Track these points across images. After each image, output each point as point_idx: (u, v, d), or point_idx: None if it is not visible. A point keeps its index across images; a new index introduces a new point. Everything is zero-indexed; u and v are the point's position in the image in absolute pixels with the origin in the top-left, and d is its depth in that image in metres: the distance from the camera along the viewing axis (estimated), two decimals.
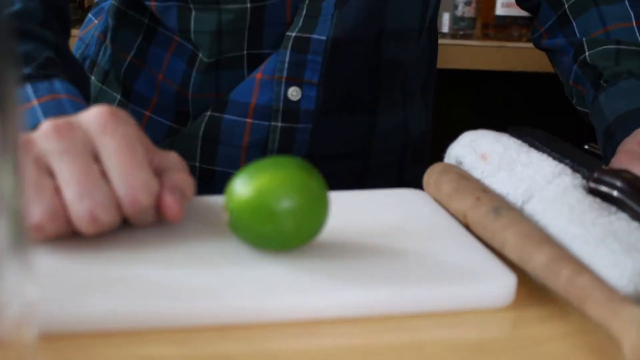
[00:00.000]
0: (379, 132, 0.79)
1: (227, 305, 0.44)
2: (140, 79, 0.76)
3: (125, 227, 0.52)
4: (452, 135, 0.72)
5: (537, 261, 0.48)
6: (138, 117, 0.76)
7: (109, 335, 0.41)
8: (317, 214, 0.49)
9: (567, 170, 0.60)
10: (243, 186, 0.48)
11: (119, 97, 0.78)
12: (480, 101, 2.06)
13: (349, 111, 0.77)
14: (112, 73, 0.78)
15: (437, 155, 0.74)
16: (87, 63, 0.83)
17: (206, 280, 0.46)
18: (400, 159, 0.83)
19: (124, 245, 0.50)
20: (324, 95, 0.74)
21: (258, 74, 0.71)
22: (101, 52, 0.81)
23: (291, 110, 0.72)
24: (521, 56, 1.77)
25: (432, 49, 0.86)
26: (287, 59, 0.70)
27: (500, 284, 0.48)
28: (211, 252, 0.50)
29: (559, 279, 0.47)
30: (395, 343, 0.43)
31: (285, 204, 0.47)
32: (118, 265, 0.47)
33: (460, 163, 0.66)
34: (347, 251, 0.51)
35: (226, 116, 0.72)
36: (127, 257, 0.48)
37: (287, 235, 0.48)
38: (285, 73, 0.71)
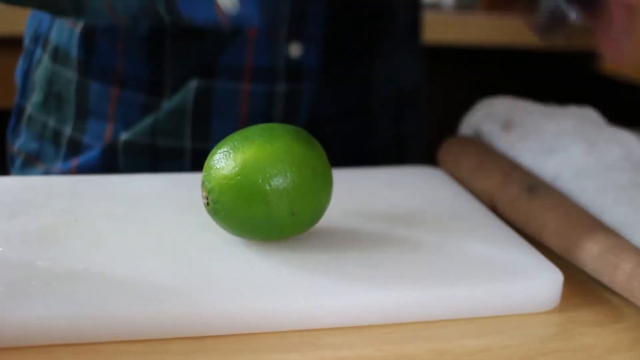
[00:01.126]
0: (376, 84, 0.70)
1: (204, 311, 0.35)
2: (97, 50, 0.65)
3: (77, 209, 0.43)
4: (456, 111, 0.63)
5: (588, 251, 0.39)
6: (104, 98, 0.65)
7: (47, 349, 0.33)
8: (317, 195, 0.39)
9: (610, 141, 0.51)
10: (225, 160, 0.38)
11: (76, 76, 0.67)
12: (477, 78, 1.97)
13: (348, 65, 0.68)
14: (62, 49, 0.67)
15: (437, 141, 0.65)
16: (41, 42, 0.71)
17: (179, 279, 0.36)
18: (398, 112, 0.75)
19: (77, 233, 0.40)
20: (326, 49, 0.64)
21: (251, 31, 0.61)
22: (54, 27, 0.70)
23: (294, 69, 0.63)
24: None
25: None
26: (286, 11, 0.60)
27: (544, 283, 0.39)
28: (185, 244, 0.40)
29: (618, 273, 0.38)
30: (416, 355, 0.34)
31: (277, 182, 0.38)
32: (67, 257, 0.38)
33: (480, 134, 0.57)
34: (352, 242, 0.42)
35: (218, 83, 0.62)
36: (79, 247, 0.39)
37: (279, 221, 0.39)
38: (285, 28, 0.61)
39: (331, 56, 0.66)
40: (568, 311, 0.39)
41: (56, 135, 0.65)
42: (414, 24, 0.77)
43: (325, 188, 0.40)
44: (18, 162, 0.69)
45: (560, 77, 1.86)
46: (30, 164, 0.68)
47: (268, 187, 0.38)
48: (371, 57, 0.70)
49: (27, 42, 0.72)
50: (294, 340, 0.35)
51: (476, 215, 0.46)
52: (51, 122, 0.66)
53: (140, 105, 0.65)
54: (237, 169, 0.38)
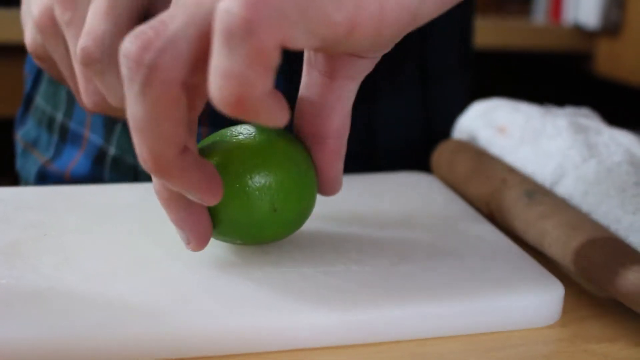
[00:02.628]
0: (382, 123, 0.63)
1: (180, 333, 0.32)
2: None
3: (47, 223, 0.40)
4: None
5: (592, 260, 0.37)
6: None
7: None
8: (301, 193, 0.36)
9: (610, 143, 0.48)
10: (205, 153, 0.36)
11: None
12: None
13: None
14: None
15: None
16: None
17: (153, 298, 0.34)
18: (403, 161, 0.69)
19: (45, 248, 0.37)
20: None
21: None
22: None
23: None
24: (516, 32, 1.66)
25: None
26: None
27: (543, 296, 0.36)
28: (161, 260, 0.37)
29: (624, 284, 0.35)
30: None
31: (259, 176, 0.35)
32: (32, 275, 0.35)
33: (474, 138, 0.54)
34: (340, 254, 0.39)
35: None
36: (46, 264, 0.36)
37: (259, 219, 0.36)
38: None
39: None
40: (572, 325, 0.36)
41: (50, 122, 0.64)
42: (421, 71, 0.69)
43: (309, 187, 0.37)
44: (19, 149, 0.69)
45: (553, 79, 1.85)
46: (28, 151, 0.67)
47: (249, 180, 0.35)
48: (374, 98, 0.63)
49: None
50: None
51: (470, 223, 0.44)
52: (48, 110, 0.65)
53: None
54: (216, 159, 0.35)
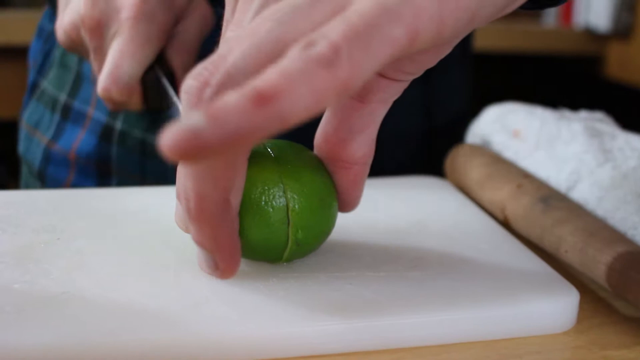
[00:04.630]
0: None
1: (192, 338, 0.32)
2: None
3: (59, 227, 0.40)
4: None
5: (609, 266, 0.36)
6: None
7: None
8: (321, 226, 0.36)
9: (625, 147, 0.48)
10: None
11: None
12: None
13: None
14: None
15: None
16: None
17: (165, 303, 0.33)
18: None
19: (57, 252, 0.37)
20: None
21: None
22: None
23: None
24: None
25: None
26: None
27: (560, 302, 0.36)
28: (173, 265, 0.37)
29: None
30: None
31: (278, 203, 0.34)
32: (45, 280, 0.35)
33: (488, 143, 0.54)
34: (353, 259, 0.39)
35: None
36: (59, 268, 0.36)
37: (280, 253, 0.36)
38: None
39: None
40: (589, 332, 0.36)
41: (54, 103, 0.65)
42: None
43: (332, 219, 0.36)
44: (23, 134, 0.69)
45: (564, 82, 1.84)
46: (31, 134, 0.67)
47: (271, 217, 0.34)
48: None
49: (48, 25, 0.70)
50: None
51: (483, 228, 0.43)
52: (54, 92, 0.65)
53: None
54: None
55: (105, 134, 0.60)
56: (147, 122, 0.59)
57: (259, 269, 0.37)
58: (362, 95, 0.34)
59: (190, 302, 0.33)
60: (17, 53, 1.13)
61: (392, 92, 0.34)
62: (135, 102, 0.49)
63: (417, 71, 0.33)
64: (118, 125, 0.59)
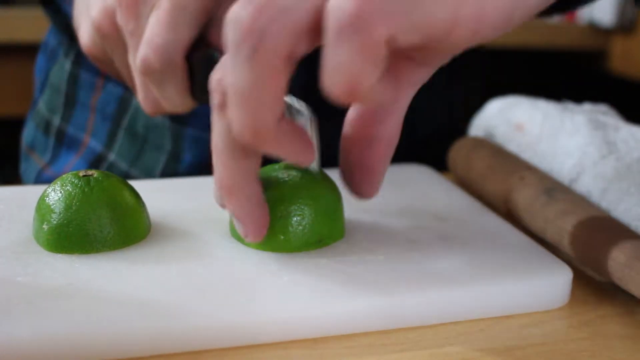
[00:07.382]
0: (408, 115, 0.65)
1: (199, 325, 0.32)
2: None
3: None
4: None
5: (613, 258, 0.36)
6: (91, 88, 0.63)
7: None
8: (331, 235, 0.39)
9: (629, 139, 0.48)
10: None
11: (69, 65, 0.65)
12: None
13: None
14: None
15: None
16: (65, 45, 0.69)
17: (170, 291, 0.34)
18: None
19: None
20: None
21: None
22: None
23: None
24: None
25: None
26: None
27: (553, 279, 0.37)
28: (175, 252, 0.37)
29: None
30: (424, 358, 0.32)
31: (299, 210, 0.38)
32: (50, 271, 0.35)
33: (492, 135, 0.54)
34: (351, 244, 0.39)
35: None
36: (62, 258, 0.36)
37: (293, 244, 0.38)
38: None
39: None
40: (595, 325, 0.36)
41: (47, 126, 0.65)
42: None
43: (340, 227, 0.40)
44: (22, 152, 0.69)
45: (568, 77, 1.83)
46: (28, 154, 0.67)
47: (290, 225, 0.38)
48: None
49: (52, 41, 0.69)
50: (297, 351, 0.32)
51: (470, 210, 0.44)
52: (47, 114, 0.65)
53: (117, 97, 0.63)
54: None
55: (95, 163, 0.60)
56: (133, 155, 0.59)
57: (261, 254, 0.37)
58: (394, 76, 0.34)
59: (196, 290, 0.34)
60: (23, 50, 1.13)
61: (421, 76, 0.35)
62: (181, 86, 0.43)
63: (444, 58, 0.33)
64: (111, 156, 0.59)
